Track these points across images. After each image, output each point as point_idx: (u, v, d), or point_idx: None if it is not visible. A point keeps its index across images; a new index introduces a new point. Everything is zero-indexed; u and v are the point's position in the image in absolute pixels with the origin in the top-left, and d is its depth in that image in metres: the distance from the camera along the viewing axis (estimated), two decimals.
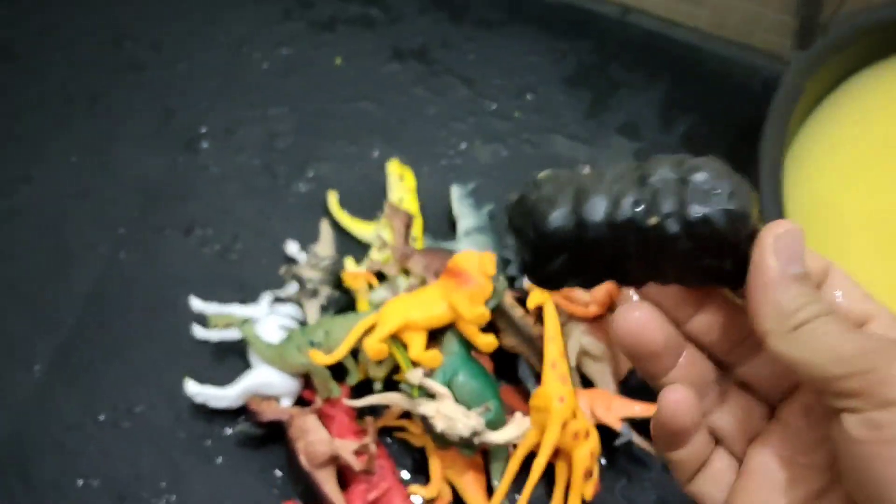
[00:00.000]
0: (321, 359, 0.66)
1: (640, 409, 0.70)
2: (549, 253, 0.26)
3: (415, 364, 0.66)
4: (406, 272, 0.72)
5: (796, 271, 0.24)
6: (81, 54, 0.91)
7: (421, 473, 0.68)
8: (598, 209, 0.25)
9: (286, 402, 0.69)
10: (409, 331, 0.66)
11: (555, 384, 0.65)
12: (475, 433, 0.61)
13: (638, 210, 0.25)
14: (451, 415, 0.62)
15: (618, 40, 0.90)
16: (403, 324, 0.65)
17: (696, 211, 0.24)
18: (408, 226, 0.73)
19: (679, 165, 0.25)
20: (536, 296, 0.69)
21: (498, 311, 0.70)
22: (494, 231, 0.77)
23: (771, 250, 0.24)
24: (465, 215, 0.77)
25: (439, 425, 0.61)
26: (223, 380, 0.71)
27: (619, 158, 0.85)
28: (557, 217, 0.25)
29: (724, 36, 0.90)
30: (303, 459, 0.64)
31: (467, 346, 0.67)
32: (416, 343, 0.66)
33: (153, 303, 0.76)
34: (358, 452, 0.65)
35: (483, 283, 0.67)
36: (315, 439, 0.64)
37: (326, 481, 0.64)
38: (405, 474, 0.69)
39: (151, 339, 0.74)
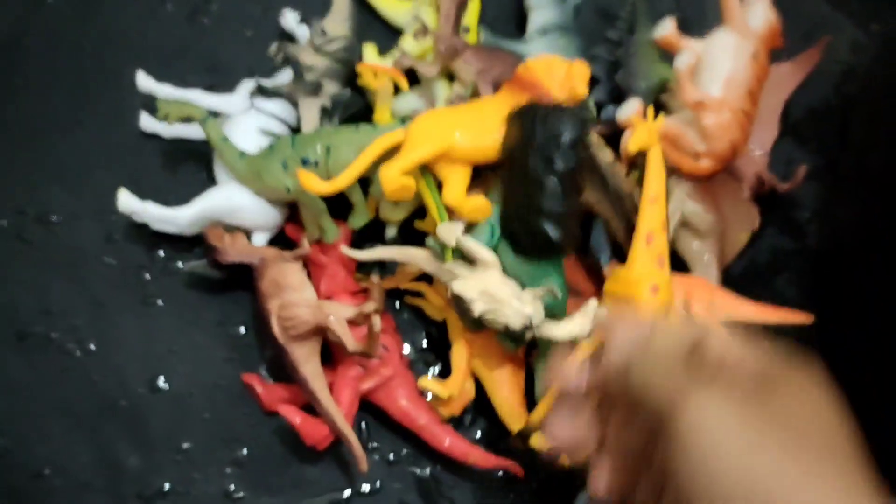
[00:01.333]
0: (315, 185, 0.45)
1: (750, 310, 0.50)
2: None
3: (450, 212, 0.45)
4: (451, 76, 0.50)
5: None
6: None
7: (436, 354, 0.51)
8: None
9: (260, 239, 0.49)
10: (448, 162, 0.45)
11: (648, 266, 0.46)
12: (528, 325, 0.42)
13: None
14: (498, 295, 0.42)
15: None
16: (442, 150, 0.44)
17: None
18: (461, 6, 0.50)
19: None
20: (640, 134, 0.47)
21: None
22: (581, 33, 0.54)
23: None
24: (543, 5, 0.55)
25: (479, 308, 0.42)
26: (176, 193, 0.51)
27: None
28: None
29: None
30: (275, 326, 0.45)
31: None
32: (457, 181, 0.45)
33: (88, 72, 0.55)
34: (353, 322, 0.45)
35: (565, 102, 0.45)
36: (296, 300, 0.45)
37: (306, 360, 0.45)
38: (413, 352, 0.50)
39: (82, 124, 0.54)
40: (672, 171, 0.51)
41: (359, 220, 0.48)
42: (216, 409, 0.48)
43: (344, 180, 0.45)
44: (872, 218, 0.56)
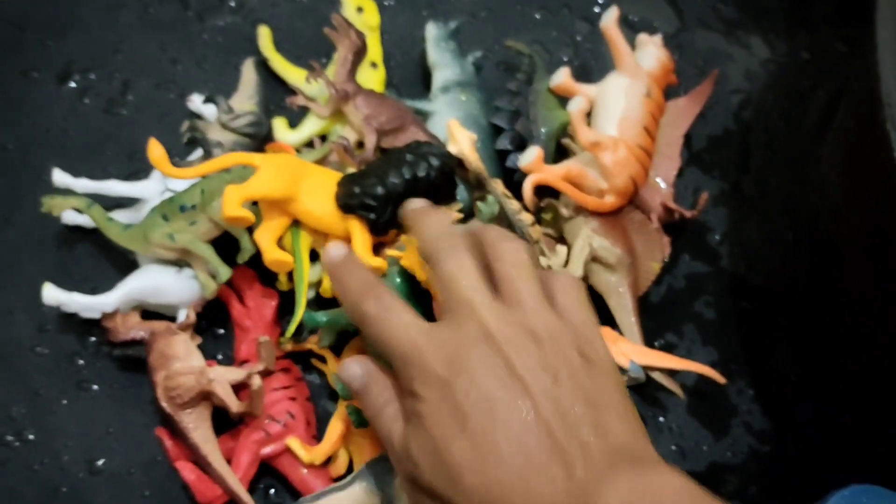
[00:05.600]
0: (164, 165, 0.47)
1: (654, 358, 0.52)
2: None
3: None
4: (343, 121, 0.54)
5: None
6: None
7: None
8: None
9: (183, 316, 0.50)
10: (278, 213, 0.47)
11: None
12: None
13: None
14: None
15: None
16: (283, 195, 0.47)
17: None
18: (358, 53, 0.52)
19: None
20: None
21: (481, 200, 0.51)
22: (481, 88, 0.57)
23: None
24: (444, 65, 0.57)
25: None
26: (105, 280, 0.52)
27: (646, 1, 0.64)
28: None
29: None
30: (161, 397, 0.46)
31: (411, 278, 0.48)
32: (270, 232, 0.48)
33: (15, 171, 0.56)
34: (245, 384, 0.47)
35: None
36: (180, 369, 0.46)
37: (195, 427, 0.46)
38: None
39: (8, 222, 0.55)
40: (579, 210, 0.54)
41: (244, 255, 0.49)
42: (155, 486, 0.49)
43: (185, 173, 0.47)
44: (777, 235, 0.58)
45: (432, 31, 0.58)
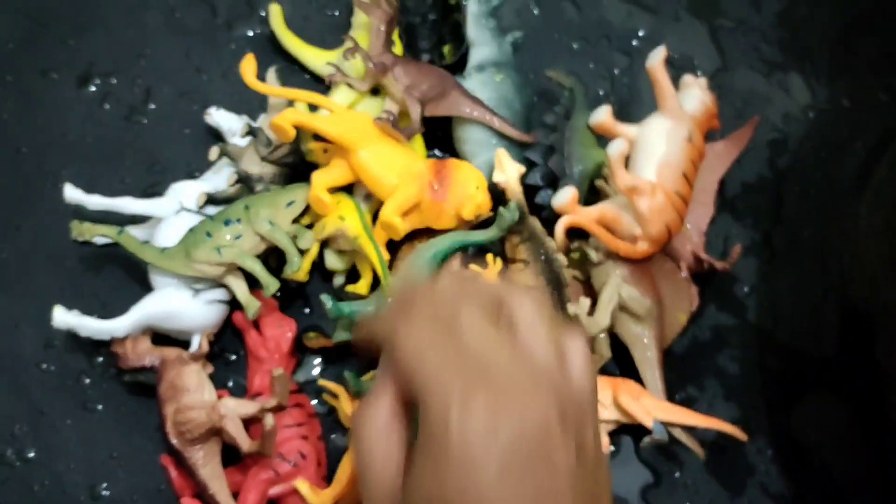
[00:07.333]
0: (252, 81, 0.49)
1: (677, 414, 0.51)
2: None
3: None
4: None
5: None
6: None
7: None
8: None
9: (197, 342, 0.48)
10: (342, 165, 0.48)
11: None
12: None
13: None
14: None
15: None
16: (347, 144, 0.48)
17: None
18: (390, 24, 0.52)
19: None
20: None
21: (524, 238, 0.52)
22: (518, 71, 0.56)
23: None
24: (482, 42, 0.56)
25: None
26: (116, 296, 0.50)
27: (688, 38, 0.62)
28: None
29: None
30: (171, 431, 0.45)
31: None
32: (328, 176, 0.49)
33: (28, 176, 0.54)
34: (256, 419, 0.45)
35: (449, 209, 0.50)
36: (191, 403, 0.45)
37: (204, 464, 0.45)
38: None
39: (18, 231, 0.53)
40: (609, 255, 0.52)
41: (291, 269, 0.48)
42: None
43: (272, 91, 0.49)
44: (807, 290, 0.57)
45: (474, 6, 0.56)
